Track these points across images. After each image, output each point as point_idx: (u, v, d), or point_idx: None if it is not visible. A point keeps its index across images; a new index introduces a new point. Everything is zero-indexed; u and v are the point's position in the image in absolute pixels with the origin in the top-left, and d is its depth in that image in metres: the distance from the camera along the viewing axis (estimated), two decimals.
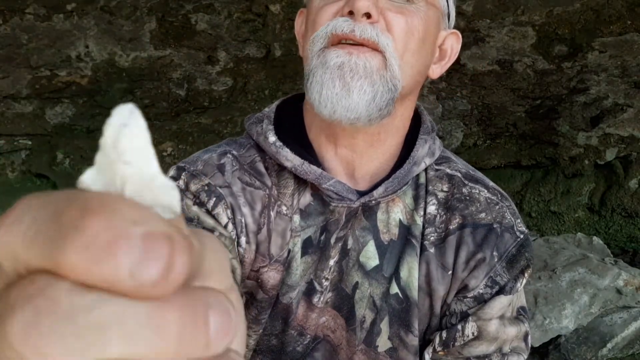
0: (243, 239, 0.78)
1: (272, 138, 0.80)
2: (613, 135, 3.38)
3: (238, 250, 0.78)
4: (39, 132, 2.99)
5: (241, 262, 0.79)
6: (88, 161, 3.12)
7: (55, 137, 3.03)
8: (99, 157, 0.19)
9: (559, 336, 2.54)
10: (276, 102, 0.87)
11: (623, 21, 2.82)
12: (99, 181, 0.19)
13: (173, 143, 3.15)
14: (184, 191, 0.78)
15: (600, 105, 3.26)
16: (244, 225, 0.78)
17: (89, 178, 0.19)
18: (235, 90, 2.97)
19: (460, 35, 0.81)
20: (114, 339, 0.16)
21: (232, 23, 2.71)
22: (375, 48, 0.70)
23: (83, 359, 0.16)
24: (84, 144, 3.08)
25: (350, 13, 0.69)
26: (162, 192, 0.19)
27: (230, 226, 0.77)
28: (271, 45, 2.82)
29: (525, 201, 3.62)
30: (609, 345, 2.46)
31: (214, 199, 0.76)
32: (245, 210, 0.78)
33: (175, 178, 0.80)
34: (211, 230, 0.75)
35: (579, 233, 3.20)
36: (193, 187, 0.77)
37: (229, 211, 0.77)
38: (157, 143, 3.13)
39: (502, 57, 2.96)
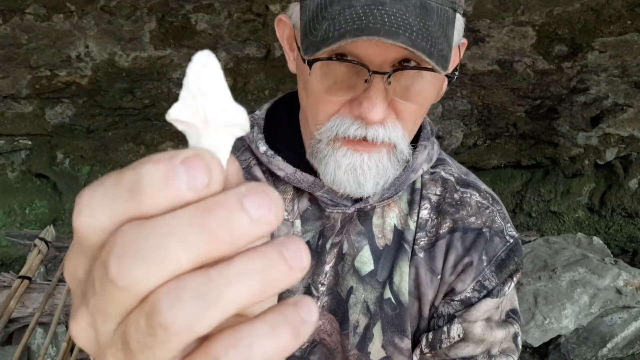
0: None
1: (263, 147, 0.79)
2: (613, 135, 3.38)
3: None
4: (39, 132, 2.99)
5: None
6: (88, 161, 3.12)
7: (55, 137, 3.03)
8: (183, 93, 0.23)
9: (559, 336, 2.54)
10: (266, 105, 0.85)
11: (623, 21, 2.82)
12: (185, 112, 0.23)
13: (173, 143, 3.15)
14: None
15: (600, 105, 3.26)
16: None
17: (175, 111, 0.23)
18: (235, 90, 2.97)
19: (466, 43, 0.78)
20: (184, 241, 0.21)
21: (232, 23, 2.71)
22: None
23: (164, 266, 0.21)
24: (84, 143, 3.08)
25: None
26: (234, 113, 0.24)
27: None
28: (271, 45, 2.82)
29: (525, 201, 3.61)
30: (609, 345, 2.46)
31: None
32: None
33: None
34: None
35: (579, 233, 3.20)
36: None
37: None
38: (157, 143, 3.13)
39: (502, 57, 2.96)
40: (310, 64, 0.63)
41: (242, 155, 0.82)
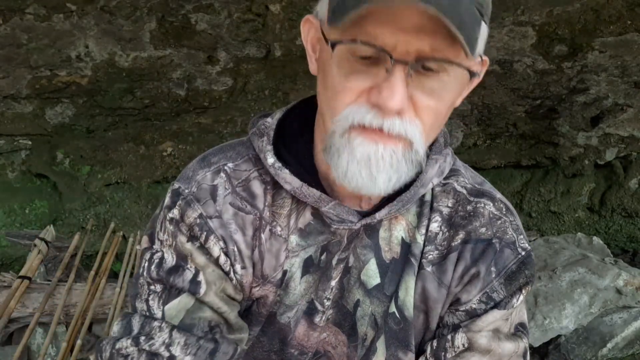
0: (238, 266, 0.79)
1: (271, 160, 0.77)
2: (613, 135, 3.38)
3: (235, 278, 0.79)
4: (39, 132, 2.99)
5: (241, 286, 0.80)
6: (88, 161, 3.12)
7: (55, 137, 3.03)
8: None
9: (559, 336, 2.54)
10: (278, 114, 0.82)
11: (623, 21, 2.82)
12: None
13: (173, 143, 3.15)
14: (178, 223, 0.78)
15: (600, 105, 3.26)
16: (237, 252, 0.78)
17: None
18: (235, 90, 2.97)
19: (487, 60, 0.75)
20: None
21: (232, 23, 2.71)
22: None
23: None
24: (84, 144, 3.08)
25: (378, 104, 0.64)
26: None
27: (222, 258, 0.78)
28: (271, 45, 2.82)
29: (525, 201, 3.62)
30: (609, 345, 2.46)
31: (206, 232, 0.77)
32: (237, 236, 0.78)
33: (170, 207, 0.79)
34: (202, 268, 0.77)
35: (579, 233, 3.20)
36: (187, 219, 0.77)
37: (221, 242, 0.77)
38: (157, 143, 3.13)
39: (502, 57, 2.96)
40: (333, 46, 0.63)
41: (244, 165, 0.81)
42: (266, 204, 0.79)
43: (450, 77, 0.65)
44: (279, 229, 0.79)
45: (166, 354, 0.73)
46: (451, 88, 0.66)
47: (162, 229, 0.80)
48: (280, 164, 0.77)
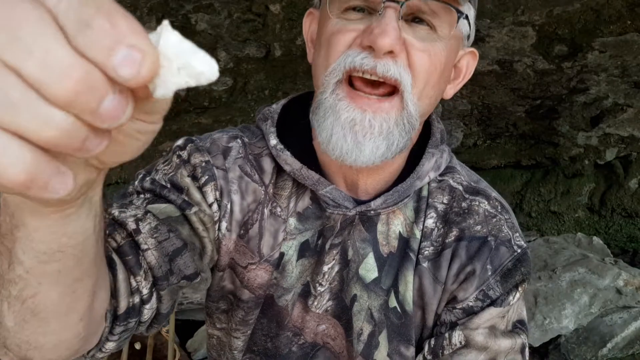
0: (224, 224, 0.78)
1: (273, 141, 0.79)
2: (613, 135, 3.38)
3: (217, 234, 0.78)
4: None
5: (218, 246, 0.79)
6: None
7: None
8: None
9: (559, 336, 2.54)
10: (283, 101, 0.85)
11: (623, 21, 2.82)
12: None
13: (173, 143, 3.14)
14: (184, 162, 0.77)
15: (600, 105, 3.26)
16: (229, 211, 0.78)
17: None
18: (235, 90, 2.97)
19: (477, 53, 0.77)
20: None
21: (232, 23, 2.71)
22: (395, 85, 0.66)
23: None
24: None
25: (370, 47, 0.64)
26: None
27: (215, 206, 0.76)
28: (271, 45, 2.82)
29: (525, 201, 3.61)
30: (609, 345, 2.46)
31: (207, 177, 0.76)
32: (235, 197, 0.78)
33: (181, 147, 0.80)
34: (196, 204, 0.74)
35: (579, 233, 3.20)
36: (193, 160, 0.77)
37: (217, 192, 0.76)
38: (157, 143, 3.13)
39: (502, 57, 2.96)
40: None
41: (259, 143, 0.83)
42: (272, 181, 0.81)
43: (439, 37, 0.67)
44: (279, 209, 0.80)
45: (132, 226, 0.65)
46: (441, 47, 0.68)
47: (165, 162, 0.79)
48: (282, 146, 0.78)
